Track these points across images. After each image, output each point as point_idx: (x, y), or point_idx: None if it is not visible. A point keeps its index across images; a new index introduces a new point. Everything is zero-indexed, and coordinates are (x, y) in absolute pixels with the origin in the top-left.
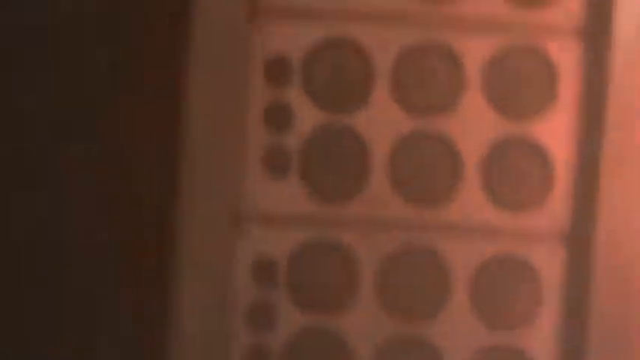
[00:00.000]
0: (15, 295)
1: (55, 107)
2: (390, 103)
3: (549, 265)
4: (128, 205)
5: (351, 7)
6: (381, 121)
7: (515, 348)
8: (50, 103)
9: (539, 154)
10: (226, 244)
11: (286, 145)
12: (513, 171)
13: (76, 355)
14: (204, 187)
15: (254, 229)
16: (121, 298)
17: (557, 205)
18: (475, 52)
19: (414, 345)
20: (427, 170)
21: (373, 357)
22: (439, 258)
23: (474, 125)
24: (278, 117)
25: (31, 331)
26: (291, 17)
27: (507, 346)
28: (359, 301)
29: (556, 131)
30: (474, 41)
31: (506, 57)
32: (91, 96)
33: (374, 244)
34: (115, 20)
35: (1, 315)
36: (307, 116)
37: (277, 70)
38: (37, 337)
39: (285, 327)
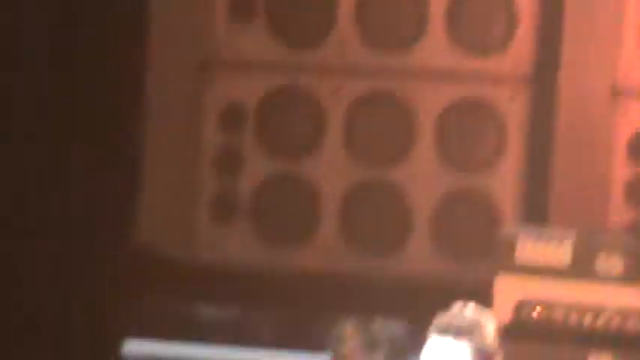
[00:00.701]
0: None
1: None
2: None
3: (513, 108)
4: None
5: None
6: None
7: (478, 191)
8: None
9: None
10: (194, 90)
11: None
12: (479, 14)
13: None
14: (173, 34)
15: (222, 75)
16: (92, 143)
17: (521, 49)
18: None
19: (379, 189)
20: (393, 17)
21: (339, 202)
22: (404, 103)
23: None
24: None
25: None
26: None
27: (471, 190)
28: (326, 146)
29: None
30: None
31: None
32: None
33: (341, 90)
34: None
35: None
36: None
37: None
38: None
39: (252, 173)
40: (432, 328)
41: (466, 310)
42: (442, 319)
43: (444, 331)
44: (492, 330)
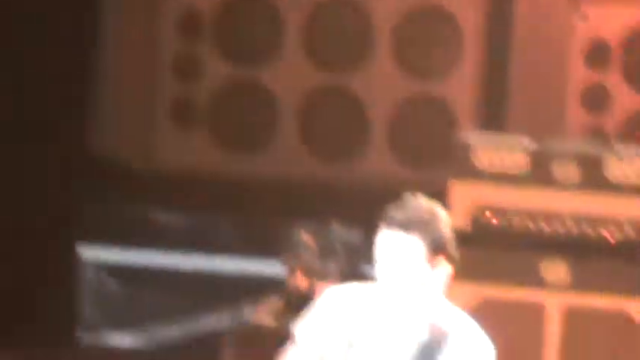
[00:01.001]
0: None
1: None
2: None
3: (470, 14)
4: None
5: None
6: None
7: (436, 97)
8: None
9: None
10: None
11: None
12: None
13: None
14: None
15: None
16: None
17: None
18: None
19: (338, 95)
20: None
21: (298, 107)
22: (363, 9)
23: None
24: None
25: None
26: None
27: (428, 96)
28: (284, 51)
29: None
30: None
31: None
32: None
33: None
34: None
35: None
36: None
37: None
38: None
39: (211, 78)
40: (381, 221)
41: (416, 203)
42: (392, 211)
43: (394, 224)
44: (445, 220)
